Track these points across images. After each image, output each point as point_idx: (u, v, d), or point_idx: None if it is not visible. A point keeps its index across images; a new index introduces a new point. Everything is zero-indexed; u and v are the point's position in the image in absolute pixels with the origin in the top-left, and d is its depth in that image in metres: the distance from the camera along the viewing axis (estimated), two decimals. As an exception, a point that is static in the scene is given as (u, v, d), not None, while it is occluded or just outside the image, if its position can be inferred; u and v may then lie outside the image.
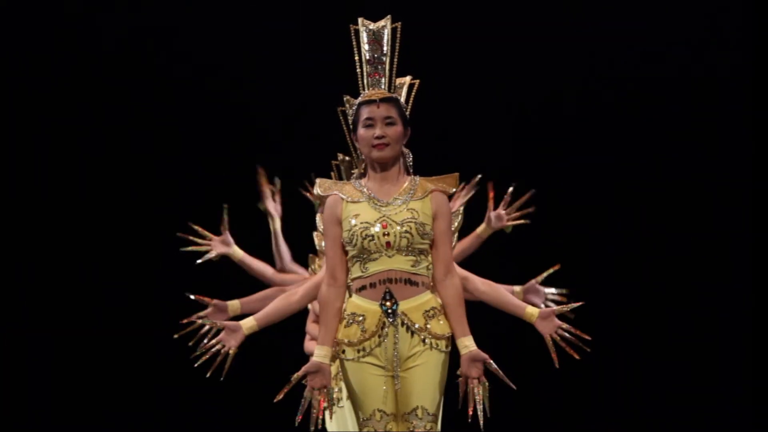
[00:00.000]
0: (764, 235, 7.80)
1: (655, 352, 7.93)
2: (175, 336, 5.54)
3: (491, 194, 6.04)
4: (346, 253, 4.67)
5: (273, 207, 6.38)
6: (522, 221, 5.94)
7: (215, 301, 5.58)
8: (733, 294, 7.86)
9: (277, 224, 6.37)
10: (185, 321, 5.54)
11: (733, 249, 7.87)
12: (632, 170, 7.99)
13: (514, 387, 4.62)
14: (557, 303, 5.72)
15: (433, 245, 4.66)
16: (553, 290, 5.80)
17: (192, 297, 5.60)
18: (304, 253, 6.29)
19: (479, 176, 5.91)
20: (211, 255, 5.92)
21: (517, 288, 5.76)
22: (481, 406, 4.56)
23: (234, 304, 5.64)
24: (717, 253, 7.89)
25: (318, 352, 4.62)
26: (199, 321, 5.51)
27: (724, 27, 7.92)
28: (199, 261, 5.80)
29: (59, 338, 8.06)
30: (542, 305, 5.70)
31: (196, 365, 4.80)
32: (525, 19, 8.00)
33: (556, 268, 5.72)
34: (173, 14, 8.12)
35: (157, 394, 8.01)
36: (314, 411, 4.56)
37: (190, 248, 5.89)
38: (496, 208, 6.04)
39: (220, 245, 5.92)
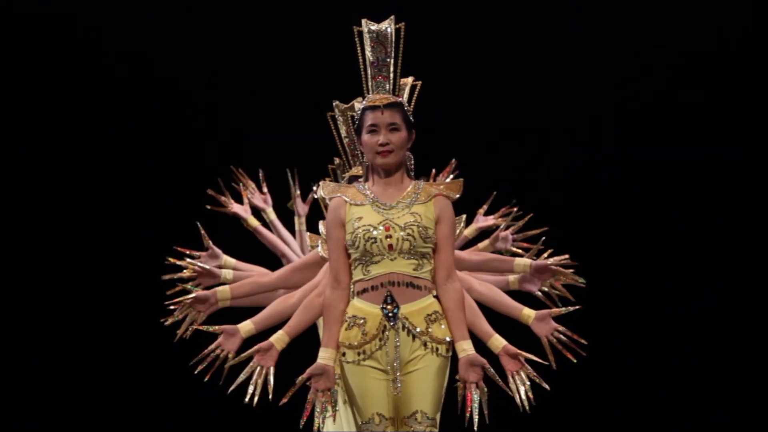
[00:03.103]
0: (764, 235, 7.85)
1: (653, 353, 7.98)
2: (165, 305, 5.52)
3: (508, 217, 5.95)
4: (349, 255, 4.68)
5: (261, 200, 6.39)
6: (523, 253, 5.83)
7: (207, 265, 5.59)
8: (733, 297, 7.89)
9: (271, 215, 6.37)
10: (166, 278, 5.49)
11: (734, 251, 7.92)
12: (631, 169, 8.02)
13: (510, 393, 4.65)
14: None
15: (435, 249, 4.67)
16: (550, 260, 5.71)
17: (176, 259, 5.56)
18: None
19: (514, 209, 5.87)
20: None
21: (512, 277, 5.70)
22: (478, 411, 4.58)
23: (227, 272, 5.63)
24: (717, 254, 7.93)
25: (322, 354, 4.63)
26: (183, 285, 5.46)
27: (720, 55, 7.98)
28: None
29: (54, 341, 8.05)
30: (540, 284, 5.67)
31: (195, 372, 4.80)
32: (531, 19, 8.01)
33: (545, 229, 5.69)
34: (170, 15, 8.09)
35: (160, 396, 7.98)
36: (318, 413, 4.58)
37: (181, 274, 5.84)
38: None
39: (210, 260, 5.88)
